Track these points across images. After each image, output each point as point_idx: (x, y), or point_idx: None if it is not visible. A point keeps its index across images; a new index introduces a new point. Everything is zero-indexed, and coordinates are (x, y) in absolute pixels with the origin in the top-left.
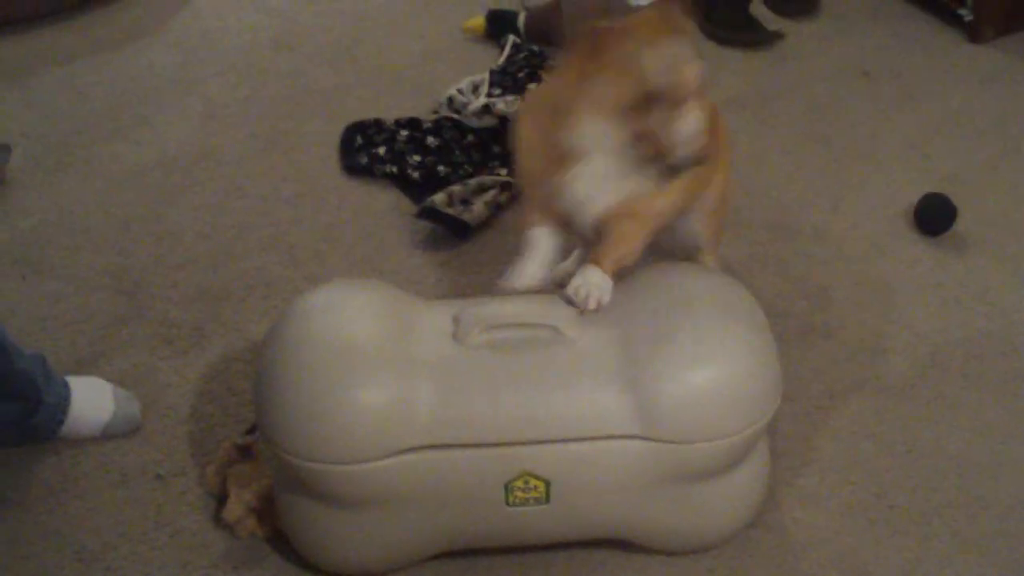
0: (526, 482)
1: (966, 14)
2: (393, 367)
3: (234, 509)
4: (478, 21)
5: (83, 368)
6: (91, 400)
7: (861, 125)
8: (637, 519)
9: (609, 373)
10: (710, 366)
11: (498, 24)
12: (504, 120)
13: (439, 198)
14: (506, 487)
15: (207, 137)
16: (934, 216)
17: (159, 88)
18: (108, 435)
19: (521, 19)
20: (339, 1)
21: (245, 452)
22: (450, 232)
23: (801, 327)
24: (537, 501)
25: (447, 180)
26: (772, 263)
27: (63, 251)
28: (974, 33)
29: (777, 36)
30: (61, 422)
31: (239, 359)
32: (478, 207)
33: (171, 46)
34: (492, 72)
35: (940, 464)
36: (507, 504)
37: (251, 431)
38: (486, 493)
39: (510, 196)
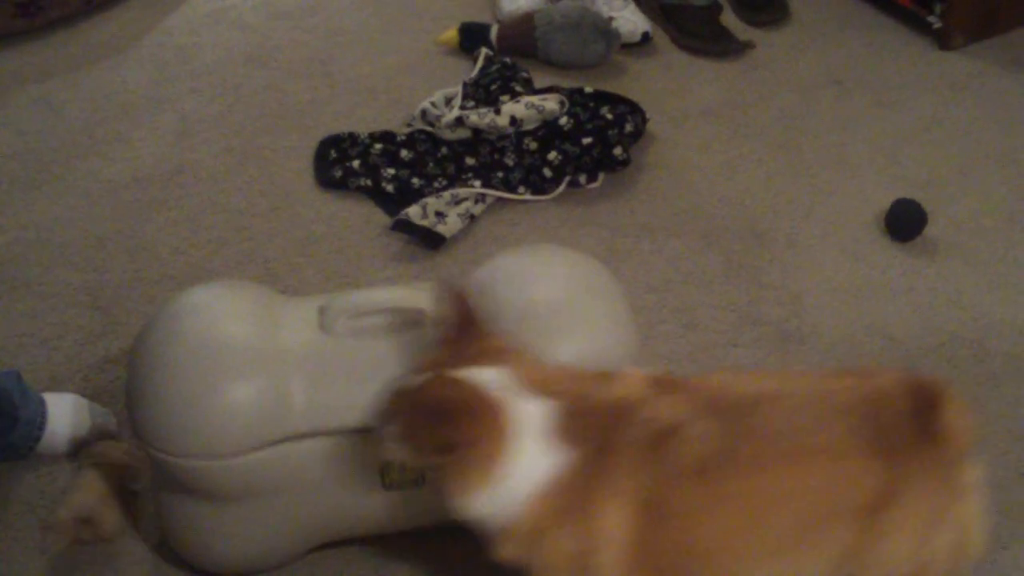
0: (402, 464)
1: (935, 22)
2: (261, 359)
3: (62, 513)
4: (451, 34)
5: (59, 385)
6: (67, 416)
7: (832, 133)
8: None
9: None
10: (572, 338)
11: (471, 37)
12: (477, 132)
13: (413, 211)
14: (381, 470)
15: (182, 153)
16: (905, 222)
17: (134, 104)
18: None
19: (494, 32)
20: (313, 16)
21: (92, 458)
22: (425, 244)
23: (776, 334)
24: (414, 483)
25: (421, 192)
26: (746, 271)
27: (38, 268)
28: (944, 40)
29: (748, 46)
30: (38, 439)
31: None
32: (452, 219)
33: (145, 62)
34: (465, 85)
35: None
36: (384, 487)
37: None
38: (362, 477)
39: (484, 208)
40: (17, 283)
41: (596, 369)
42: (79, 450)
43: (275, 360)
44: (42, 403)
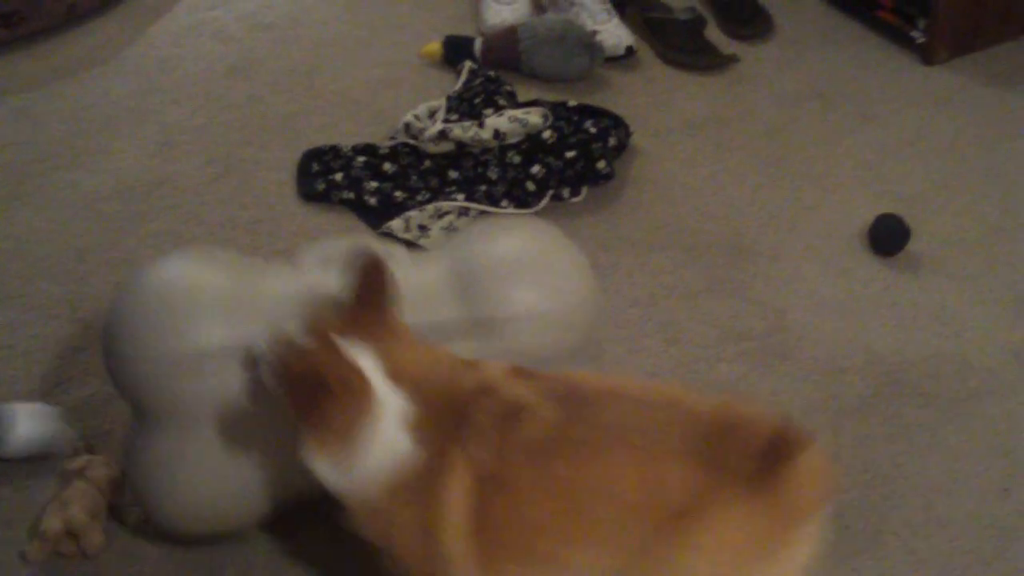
0: None
1: (919, 36)
2: (238, 305)
3: (52, 524)
4: (435, 47)
5: (39, 398)
6: (34, 423)
7: (816, 147)
8: None
9: (442, 293)
10: (535, 282)
11: (455, 50)
12: (461, 145)
13: (396, 224)
14: None
15: (164, 164)
16: (888, 237)
17: (115, 116)
18: (50, 456)
19: (478, 45)
20: (296, 28)
21: (78, 472)
22: None
23: (759, 349)
24: None
25: (404, 206)
26: (729, 285)
27: (19, 280)
28: (927, 55)
29: (732, 60)
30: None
31: None
32: (435, 232)
33: (127, 74)
34: (449, 98)
35: (897, 484)
36: None
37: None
38: None
39: (468, 221)
40: None
41: (460, 359)
42: (48, 457)
43: (251, 305)
44: (12, 412)
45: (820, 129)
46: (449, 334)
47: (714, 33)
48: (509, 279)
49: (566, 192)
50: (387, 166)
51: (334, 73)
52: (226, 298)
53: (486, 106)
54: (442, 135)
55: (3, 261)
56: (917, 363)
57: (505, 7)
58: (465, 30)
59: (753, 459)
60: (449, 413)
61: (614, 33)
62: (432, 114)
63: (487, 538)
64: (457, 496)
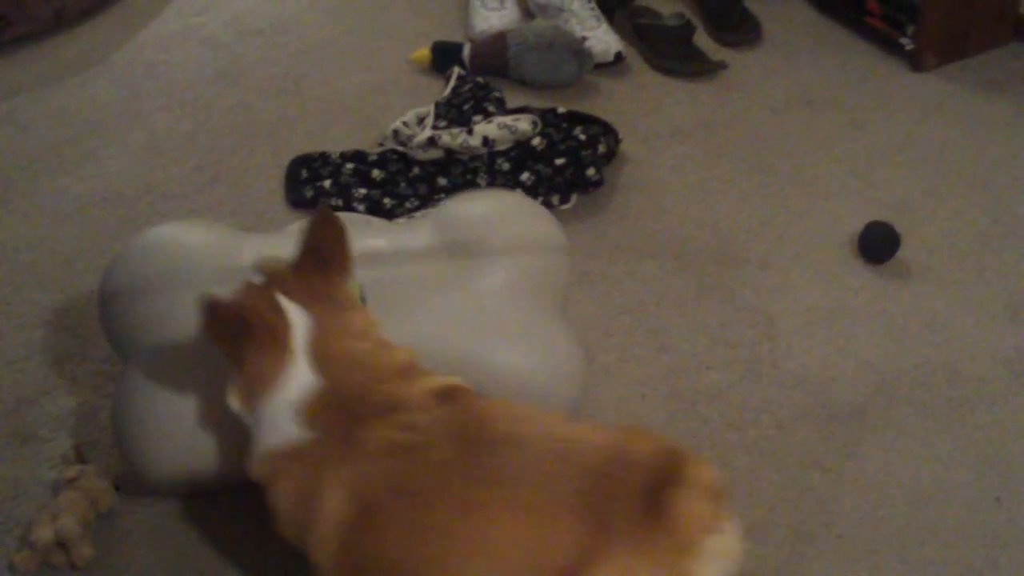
0: None
1: (908, 43)
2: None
3: (43, 534)
4: (423, 53)
5: (26, 407)
6: None
7: (805, 154)
8: None
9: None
10: (506, 232)
11: (443, 56)
12: (450, 152)
13: None
14: None
15: (152, 171)
16: (878, 244)
17: (103, 122)
18: None
19: (466, 51)
20: (284, 34)
21: (70, 482)
22: None
23: (748, 357)
24: None
25: (392, 213)
26: (719, 293)
27: (5, 288)
28: (916, 62)
29: (721, 66)
30: None
31: None
32: None
33: (115, 80)
34: (438, 104)
35: (888, 492)
36: None
37: (78, 456)
38: None
39: None
40: None
41: (395, 358)
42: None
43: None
44: None
45: (809, 136)
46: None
47: (703, 39)
48: (485, 225)
49: (555, 199)
50: (376, 173)
51: (323, 79)
52: (212, 257)
53: (475, 113)
54: (431, 142)
55: None
56: (907, 371)
57: (493, 13)
58: (454, 36)
59: (638, 499)
60: (354, 410)
61: (603, 39)
62: (421, 120)
63: (350, 559)
64: (334, 506)
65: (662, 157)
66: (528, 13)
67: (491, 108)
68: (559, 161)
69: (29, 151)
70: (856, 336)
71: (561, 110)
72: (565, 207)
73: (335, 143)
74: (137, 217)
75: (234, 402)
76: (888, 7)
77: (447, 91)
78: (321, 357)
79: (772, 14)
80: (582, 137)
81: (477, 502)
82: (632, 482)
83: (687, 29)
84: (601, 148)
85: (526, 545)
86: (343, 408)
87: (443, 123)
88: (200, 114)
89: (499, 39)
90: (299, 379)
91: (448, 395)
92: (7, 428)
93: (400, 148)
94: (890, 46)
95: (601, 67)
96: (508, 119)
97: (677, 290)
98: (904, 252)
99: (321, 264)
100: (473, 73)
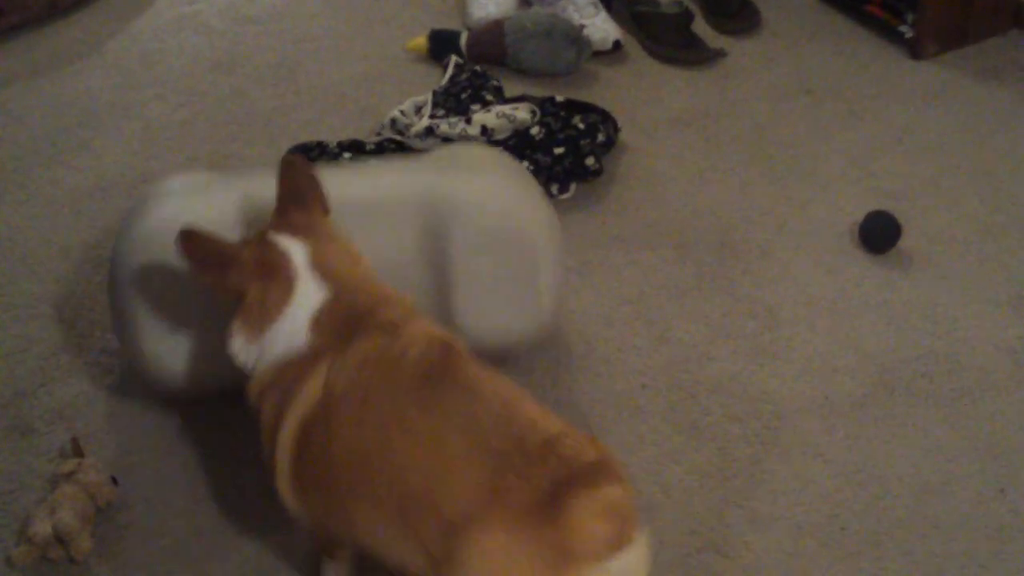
0: None
1: (907, 31)
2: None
3: (41, 528)
4: (420, 41)
5: (23, 399)
6: None
7: (805, 143)
8: None
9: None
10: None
11: (440, 44)
12: (448, 141)
13: None
14: None
15: (147, 160)
16: (879, 234)
17: (98, 111)
18: None
19: (463, 39)
20: (280, 22)
21: (68, 476)
22: None
23: (750, 348)
24: None
25: None
26: (719, 283)
27: (0, 279)
28: (915, 50)
29: (720, 54)
30: None
31: None
32: None
33: (109, 69)
34: (435, 93)
35: (890, 484)
36: None
37: (75, 450)
38: None
39: None
40: None
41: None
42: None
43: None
44: None
45: (809, 125)
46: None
47: (701, 27)
48: (470, 167)
49: (555, 188)
50: (374, 163)
51: (319, 68)
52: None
53: (473, 101)
54: (429, 131)
55: None
56: (909, 362)
57: (490, 1)
58: (450, 24)
59: (546, 489)
60: (345, 320)
61: (601, 27)
62: (418, 109)
63: (305, 456)
64: (307, 392)
65: (661, 146)
66: (525, 1)
67: (489, 97)
68: (558, 150)
69: (23, 141)
70: (857, 327)
71: (560, 99)
72: (564, 196)
73: (332, 132)
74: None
75: (238, 342)
76: None
77: (444, 80)
78: (325, 275)
79: (770, 2)
80: (581, 126)
81: (416, 424)
82: (549, 472)
83: (686, 17)
84: (600, 137)
85: (432, 479)
86: (348, 319)
87: (441, 112)
88: (195, 103)
89: (497, 27)
90: (311, 294)
91: (441, 346)
92: (3, 421)
93: (398, 137)
94: (889, 34)
95: (599, 55)
96: (506, 108)
97: (677, 280)
98: (905, 242)
99: (299, 203)
100: (471, 61)
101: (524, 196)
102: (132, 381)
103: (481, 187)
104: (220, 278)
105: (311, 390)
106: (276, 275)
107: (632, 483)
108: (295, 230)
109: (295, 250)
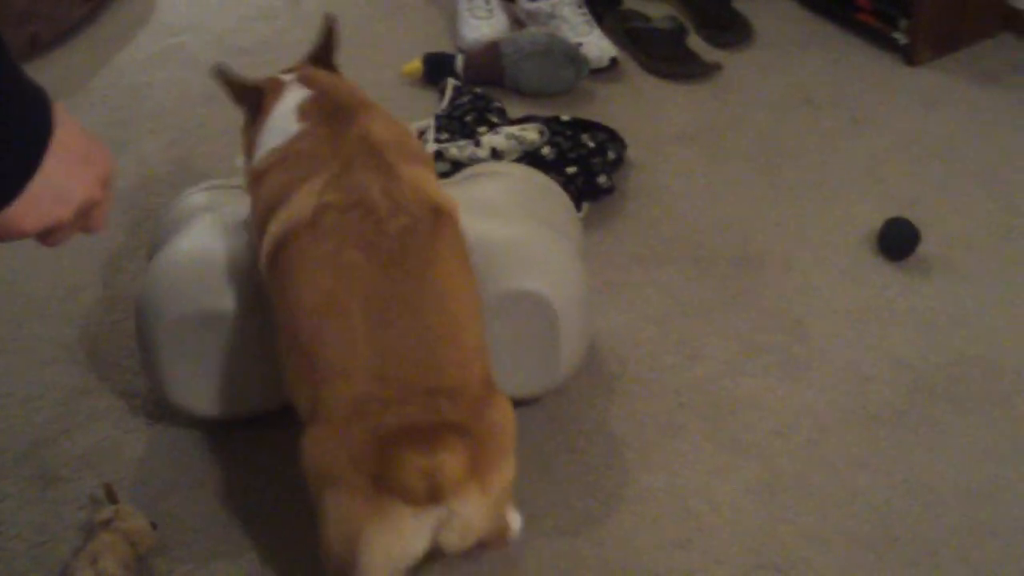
0: None
1: (901, 38)
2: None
3: None
4: (416, 65)
5: (45, 447)
6: None
7: (810, 153)
8: None
9: None
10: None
11: (436, 68)
12: (457, 164)
13: None
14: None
15: (146, 197)
16: (898, 240)
17: None
18: None
19: (459, 61)
20: (271, 52)
21: (105, 524)
22: None
23: (782, 361)
24: None
25: None
26: (743, 297)
27: (8, 323)
28: (911, 56)
29: (716, 68)
30: None
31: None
32: None
33: (97, 105)
34: (437, 117)
35: (939, 491)
36: None
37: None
38: None
39: None
40: None
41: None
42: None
43: None
44: None
45: (812, 134)
46: None
47: (694, 41)
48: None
49: None
50: None
51: None
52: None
53: (478, 124)
54: (438, 155)
55: None
56: (943, 367)
57: (483, 22)
58: (441, 46)
59: (391, 428)
60: (332, 110)
61: (597, 45)
62: (421, 134)
63: (280, 255)
64: (303, 198)
65: (668, 161)
66: (517, 21)
67: (494, 119)
68: (570, 170)
69: None
70: (887, 334)
71: (565, 118)
72: (578, 217)
73: None
74: (137, 246)
75: (241, 156)
76: (878, 2)
77: (444, 103)
78: (310, 82)
79: (759, 12)
80: (591, 144)
81: (358, 298)
82: (410, 414)
83: (680, 31)
84: (610, 155)
85: (333, 351)
86: (335, 110)
87: (445, 136)
88: (190, 137)
89: (493, 48)
90: (296, 92)
91: (437, 209)
92: (27, 470)
93: None
94: (882, 41)
95: (596, 73)
96: (515, 129)
97: (701, 296)
98: (924, 247)
99: (321, 58)
100: (467, 83)
101: (547, 249)
102: (158, 422)
103: (503, 241)
104: (243, 100)
105: (305, 198)
106: (273, 90)
107: (679, 501)
108: (301, 71)
109: (291, 77)
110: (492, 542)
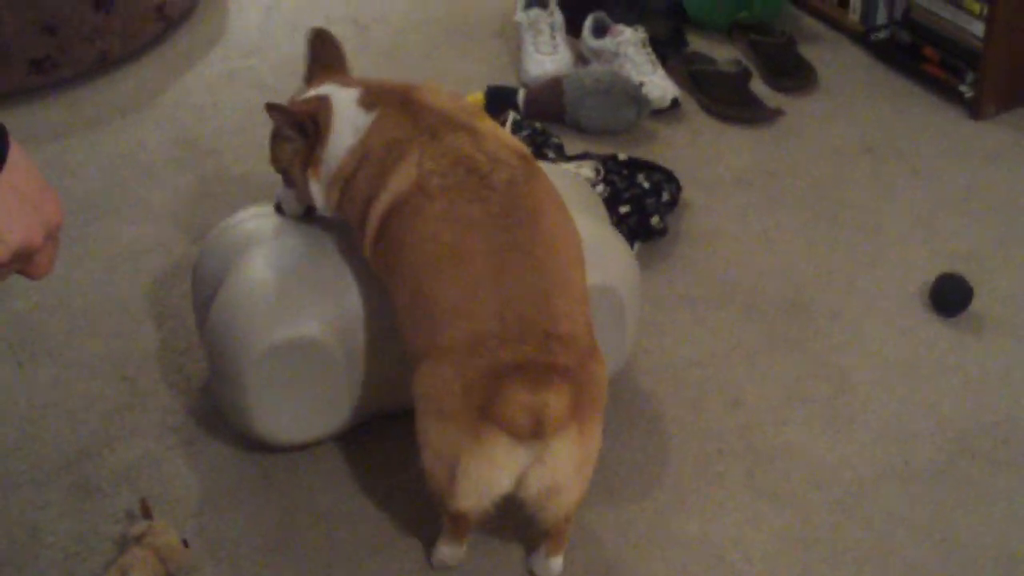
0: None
1: (967, 91)
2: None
3: None
4: (477, 97)
5: (87, 459)
6: None
7: (868, 203)
8: None
9: None
10: None
11: (497, 101)
12: None
13: None
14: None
15: (205, 216)
16: (951, 297)
17: (153, 165)
18: None
19: (521, 96)
20: None
21: (138, 539)
22: None
23: (825, 412)
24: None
25: None
26: (790, 345)
27: (60, 336)
28: (975, 110)
29: (778, 113)
30: None
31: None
32: None
33: (163, 122)
34: None
35: (977, 553)
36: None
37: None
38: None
39: None
40: (39, 351)
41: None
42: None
43: None
44: None
45: (871, 184)
46: None
47: (757, 85)
48: None
49: None
50: None
51: None
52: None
53: (535, 158)
54: None
55: (42, 316)
56: (988, 428)
57: (547, 57)
58: (505, 80)
59: (505, 365)
60: (389, 96)
61: (659, 84)
62: None
63: (390, 225)
64: (403, 173)
65: (724, 205)
66: (581, 58)
67: (551, 154)
68: (623, 209)
69: (79, 194)
70: (933, 391)
71: (622, 157)
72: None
73: None
74: (190, 264)
75: (312, 177)
76: (945, 54)
77: None
78: (347, 83)
79: (827, 60)
80: (646, 185)
81: (479, 253)
82: (523, 353)
83: (744, 75)
84: (665, 196)
85: (456, 299)
86: (393, 95)
87: None
88: (251, 158)
89: (555, 84)
90: (344, 97)
91: (524, 157)
92: (68, 481)
93: None
94: (948, 94)
95: (656, 113)
96: (571, 166)
97: (747, 342)
98: (976, 304)
99: (328, 67)
100: (528, 118)
101: (608, 243)
102: (198, 441)
103: None
104: (294, 128)
105: (404, 175)
106: (320, 107)
107: (711, 549)
108: (323, 77)
109: (324, 85)
110: (558, 520)
